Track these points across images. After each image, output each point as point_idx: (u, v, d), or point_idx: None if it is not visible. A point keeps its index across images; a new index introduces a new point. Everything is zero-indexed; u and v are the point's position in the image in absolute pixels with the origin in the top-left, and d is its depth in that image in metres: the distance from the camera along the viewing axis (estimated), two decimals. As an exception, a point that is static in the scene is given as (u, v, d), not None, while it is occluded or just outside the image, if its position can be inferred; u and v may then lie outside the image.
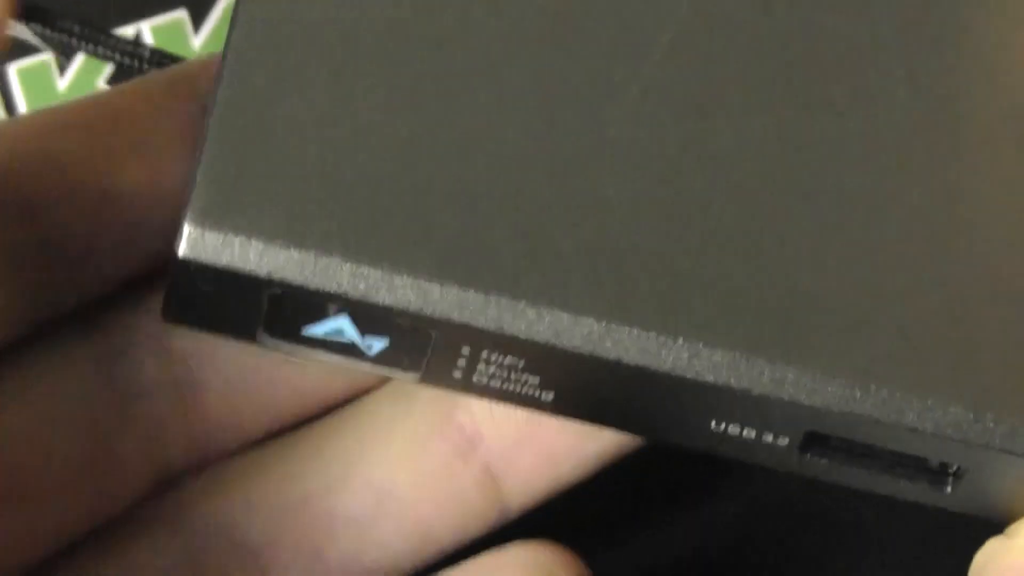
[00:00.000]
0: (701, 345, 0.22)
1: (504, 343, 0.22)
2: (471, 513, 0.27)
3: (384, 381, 0.27)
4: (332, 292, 0.21)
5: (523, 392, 0.23)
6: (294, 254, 0.21)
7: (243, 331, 0.23)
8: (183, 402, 0.27)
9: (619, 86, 0.23)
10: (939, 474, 0.23)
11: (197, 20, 0.36)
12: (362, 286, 0.21)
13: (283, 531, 0.26)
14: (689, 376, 0.22)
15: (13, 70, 0.35)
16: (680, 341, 0.22)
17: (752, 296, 0.22)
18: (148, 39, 0.35)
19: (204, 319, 0.23)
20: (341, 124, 0.22)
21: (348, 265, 0.21)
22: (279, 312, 0.22)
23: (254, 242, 0.21)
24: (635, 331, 0.22)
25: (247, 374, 0.26)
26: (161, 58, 0.33)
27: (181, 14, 0.36)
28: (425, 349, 0.22)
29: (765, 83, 0.23)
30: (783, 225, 0.23)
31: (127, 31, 0.36)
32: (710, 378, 0.22)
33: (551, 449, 0.26)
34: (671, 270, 0.22)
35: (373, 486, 0.26)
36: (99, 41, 0.31)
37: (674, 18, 0.24)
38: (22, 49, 0.35)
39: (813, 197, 0.23)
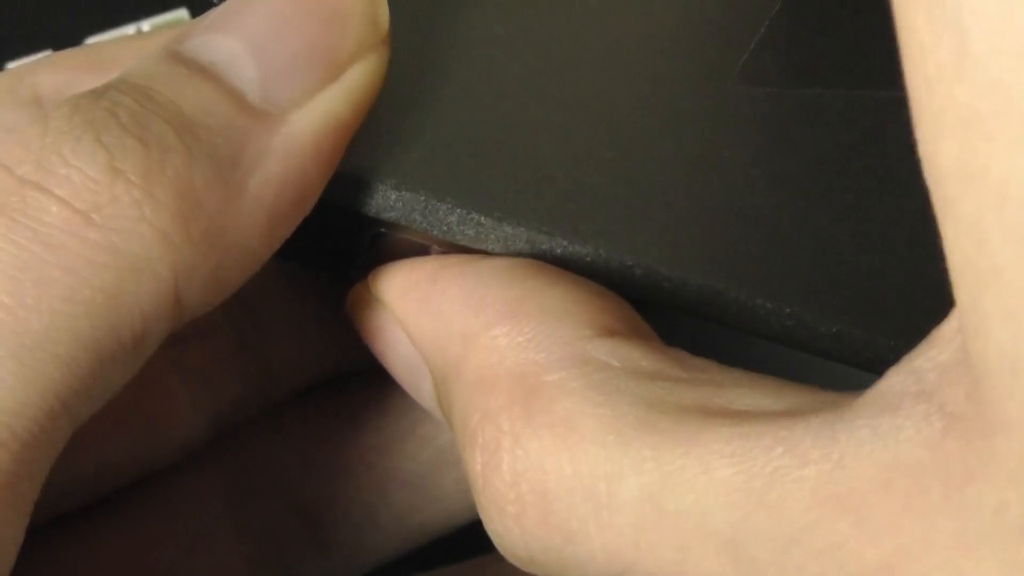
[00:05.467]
0: None
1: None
2: None
3: None
4: (440, 237, 0.22)
5: None
6: (405, 196, 0.22)
7: (338, 268, 0.23)
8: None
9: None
10: None
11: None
12: (471, 232, 0.22)
13: (338, 493, 0.27)
14: None
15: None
16: None
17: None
18: (148, 38, 0.36)
19: (305, 253, 0.23)
20: (456, 88, 0.23)
21: (458, 211, 0.22)
22: (379, 252, 0.23)
23: (365, 182, 0.22)
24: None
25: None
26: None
27: (182, 13, 0.36)
28: None
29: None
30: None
31: (127, 31, 0.36)
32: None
33: None
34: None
35: (435, 443, 0.27)
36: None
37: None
38: (21, 46, 0.36)
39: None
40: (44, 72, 0.25)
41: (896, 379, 0.17)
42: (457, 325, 0.21)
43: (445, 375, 0.21)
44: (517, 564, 0.20)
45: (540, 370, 0.20)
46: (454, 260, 0.22)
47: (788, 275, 0.22)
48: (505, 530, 0.20)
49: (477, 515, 0.27)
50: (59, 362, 0.19)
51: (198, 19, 0.22)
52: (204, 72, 0.21)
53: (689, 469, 0.18)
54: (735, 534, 0.17)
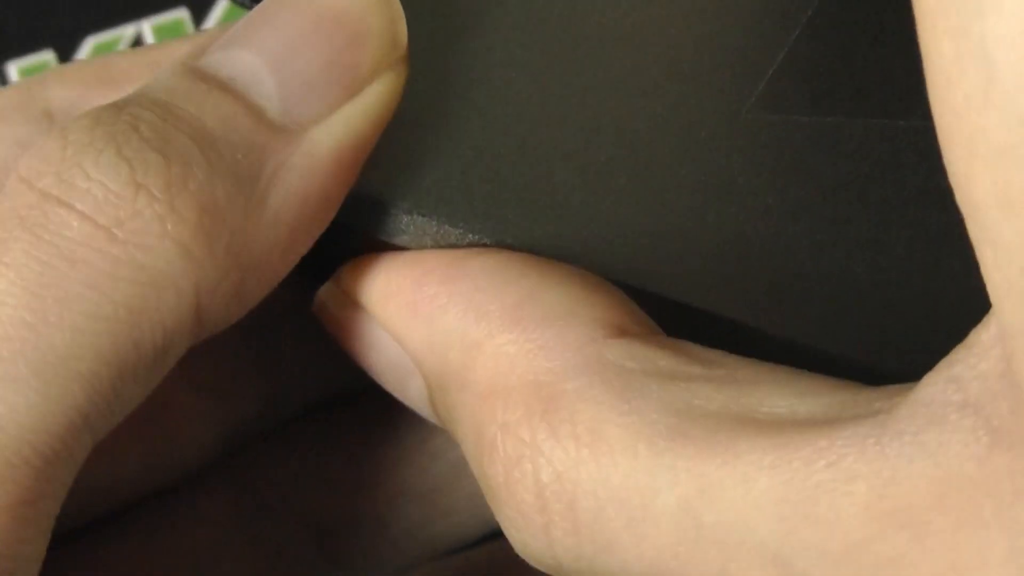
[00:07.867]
0: None
1: None
2: None
3: None
4: None
5: None
6: (418, 220, 0.22)
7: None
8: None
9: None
10: None
11: (198, 19, 0.36)
12: None
13: (349, 507, 0.26)
14: None
15: (15, 69, 0.36)
16: None
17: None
18: (149, 40, 0.36)
19: (314, 275, 0.23)
20: (472, 112, 0.23)
21: (471, 236, 0.22)
22: None
23: (378, 204, 0.22)
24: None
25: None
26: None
27: (182, 13, 0.36)
28: None
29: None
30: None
31: (127, 31, 0.36)
32: None
33: None
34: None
35: (445, 457, 0.26)
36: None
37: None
38: (21, 46, 0.36)
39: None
40: (54, 86, 0.25)
41: (936, 387, 0.17)
42: (456, 333, 0.20)
43: (445, 383, 0.21)
44: (541, 568, 0.20)
45: (556, 378, 0.19)
46: (434, 262, 0.21)
47: (802, 303, 0.22)
48: (531, 538, 0.19)
49: (488, 530, 0.27)
50: (81, 379, 0.19)
51: (216, 32, 0.22)
52: (224, 87, 0.20)
53: (727, 480, 0.18)
54: (781, 548, 0.17)
